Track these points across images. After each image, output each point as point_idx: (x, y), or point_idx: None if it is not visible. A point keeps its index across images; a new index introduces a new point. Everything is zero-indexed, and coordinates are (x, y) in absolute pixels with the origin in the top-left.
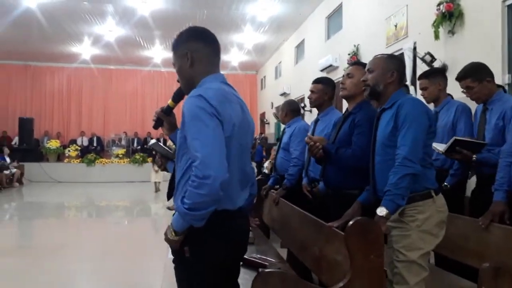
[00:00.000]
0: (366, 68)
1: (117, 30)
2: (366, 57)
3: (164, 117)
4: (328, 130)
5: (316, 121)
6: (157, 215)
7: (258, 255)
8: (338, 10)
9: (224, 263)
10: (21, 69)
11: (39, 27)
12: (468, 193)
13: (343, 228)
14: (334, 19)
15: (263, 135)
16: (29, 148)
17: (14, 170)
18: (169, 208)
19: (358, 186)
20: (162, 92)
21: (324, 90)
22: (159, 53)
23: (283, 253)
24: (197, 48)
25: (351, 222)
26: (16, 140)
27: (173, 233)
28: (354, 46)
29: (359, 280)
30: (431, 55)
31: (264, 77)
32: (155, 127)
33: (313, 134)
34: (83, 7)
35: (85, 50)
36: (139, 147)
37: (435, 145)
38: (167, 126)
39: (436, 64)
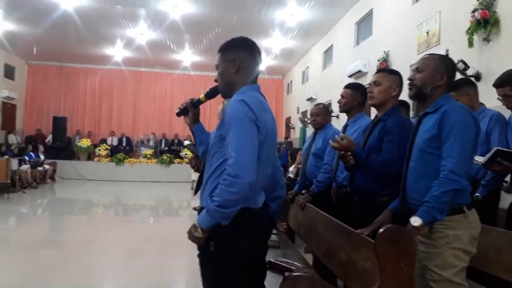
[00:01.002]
0: (415, 67)
1: (149, 33)
2: (396, 64)
3: (191, 109)
4: (357, 136)
5: (345, 127)
6: (182, 215)
7: (284, 259)
8: (368, 16)
9: (247, 259)
10: (57, 69)
11: (75, 30)
12: (502, 204)
13: (372, 235)
14: (364, 25)
15: (288, 139)
16: (62, 146)
17: (47, 167)
18: (195, 209)
19: (387, 193)
20: (190, 95)
21: (353, 96)
22: (188, 56)
23: (307, 258)
24: (245, 58)
25: (381, 230)
26: (49, 138)
27: (199, 231)
28: (384, 52)
29: (388, 287)
30: (465, 63)
31: (291, 81)
32: (179, 114)
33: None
34: (116, 11)
35: (117, 52)
36: (166, 148)
37: (476, 157)
38: (191, 117)
39: (470, 72)
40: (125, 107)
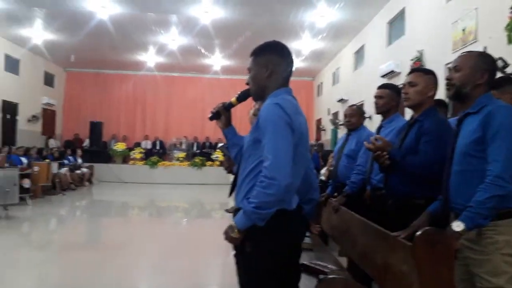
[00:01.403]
0: (452, 66)
1: (180, 39)
2: (431, 63)
3: (223, 112)
4: (391, 137)
5: (379, 128)
6: (215, 216)
7: (318, 262)
8: (400, 15)
9: (282, 260)
10: (93, 76)
11: (109, 38)
12: None
13: (409, 239)
14: (396, 24)
15: (319, 141)
16: (99, 150)
17: (85, 170)
18: (227, 211)
19: (424, 196)
20: (221, 99)
21: (392, 96)
22: (219, 61)
23: (341, 261)
24: (277, 62)
25: (419, 232)
26: (87, 142)
27: (235, 231)
28: (418, 51)
29: None
30: (504, 61)
31: (321, 83)
32: (211, 118)
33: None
34: (149, 18)
35: (150, 58)
36: (198, 151)
37: None
38: (223, 120)
39: (510, 70)
40: (158, 111)
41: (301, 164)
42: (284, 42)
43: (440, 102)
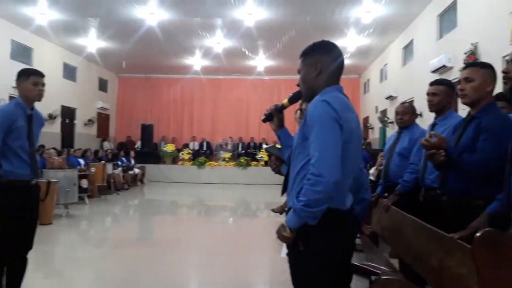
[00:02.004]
0: (510, 58)
1: (225, 42)
2: (486, 56)
3: (276, 114)
4: (446, 135)
5: (433, 125)
6: (260, 216)
7: (369, 263)
8: (452, 7)
9: (334, 260)
10: (143, 81)
11: (158, 43)
12: None
13: (467, 240)
14: (448, 16)
15: (366, 140)
16: (149, 151)
17: (137, 171)
18: (273, 210)
19: (483, 196)
20: (265, 99)
21: (447, 92)
22: (262, 61)
23: (392, 262)
24: (325, 61)
25: (478, 234)
26: (138, 144)
27: (287, 230)
28: (472, 44)
29: None
30: None
31: (368, 80)
32: (264, 120)
33: None
34: (195, 23)
35: (196, 61)
36: (243, 151)
37: None
38: (276, 122)
39: None
40: (205, 113)
41: (351, 162)
42: (328, 39)
43: (502, 96)
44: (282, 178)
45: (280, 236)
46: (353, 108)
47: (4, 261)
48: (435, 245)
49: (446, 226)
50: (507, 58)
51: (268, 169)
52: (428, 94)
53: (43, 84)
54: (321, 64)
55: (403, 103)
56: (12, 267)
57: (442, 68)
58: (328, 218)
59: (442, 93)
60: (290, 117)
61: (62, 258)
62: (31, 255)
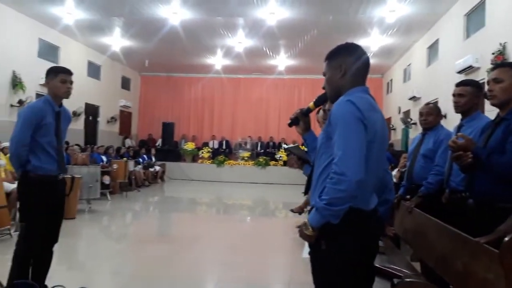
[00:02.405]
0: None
1: (246, 41)
2: None
3: (302, 118)
4: (473, 137)
5: (459, 127)
6: (278, 215)
7: (391, 265)
8: (480, 6)
9: (357, 261)
10: (165, 80)
11: (180, 42)
12: None
13: (494, 245)
14: (475, 16)
15: (389, 141)
16: (170, 149)
17: (158, 168)
18: (292, 211)
19: (511, 199)
20: (284, 99)
21: (475, 93)
22: (283, 61)
23: (415, 266)
24: (349, 62)
25: (507, 238)
26: (159, 142)
27: (310, 229)
28: (500, 44)
29: None
30: None
31: (391, 80)
32: (291, 125)
33: None
34: (217, 22)
35: (217, 61)
36: (262, 150)
37: None
38: (302, 126)
39: None
40: (225, 112)
41: (375, 162)
42: (350, 39)
43: None
44: (301, 178)
45: (303, 234)
46: (378, 108)
47: (33, 253)
48: (460, 248)
49: (471, 230)
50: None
51: (287, 169)
52: (454, 95)
53: (71, 82)
54: (345, 66)
55: (428, 103)
56: (39, 259)
57: (469, 69)
58: (351, 218)
59: (469, 94)
60: (312, 117)
61: (84, 251)
62: (55, 248)
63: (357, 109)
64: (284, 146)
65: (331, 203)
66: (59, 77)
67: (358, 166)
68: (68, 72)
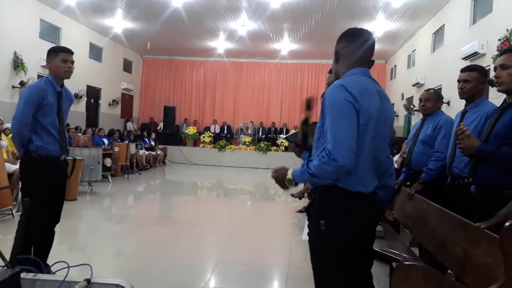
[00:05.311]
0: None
1: (250, 24)
2: None
3: (306, 129)
4: (478, 123)
5: (463, 113)
6: (278, 200)
7: (390, 250)
8: None
9: (355, 242)
10: (167, 63)
11: (183, 25)
12: None
13: (494, 230)
14: (482, 1)
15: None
16: (171, 133)
17: (159, 152)
18: (292, 195)
19: None
20: (287, 84)
21: (480, 79)
22: (287, 45)
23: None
24: (343, 47)
25: (508, 223)
26: (161, 125)
27: (292, 181)
28: (507, 30)
29: None
30: None
31: (395, 66)
32: (305, 145)
33: None
34: (220, 4)
35: (220, 44)
36: (263, 136)
37: None
38: (312, 134)
39: None
40: (226, 97)
41: (375, 146)
42: (355, 23)
43: None
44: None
45: (281, 182)
46: (375, 91)
47: (36, 229)
48: (460, 234)
49: (473, 216)
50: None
51: (288, 154)
52: (459, 81)
53: (72, 62)
54: (341, 51)
55: (428, 89)
56: (41, 238)
57: (474, 55)
58: (351, 200)
59: (475, 80)
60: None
61: (85, 232)
62: (56, 229)
63: (348, 93)
64: (282, 136)
65: (315, 176)
66: (60, 56)
67: (348, 153)
68: (69, 51)
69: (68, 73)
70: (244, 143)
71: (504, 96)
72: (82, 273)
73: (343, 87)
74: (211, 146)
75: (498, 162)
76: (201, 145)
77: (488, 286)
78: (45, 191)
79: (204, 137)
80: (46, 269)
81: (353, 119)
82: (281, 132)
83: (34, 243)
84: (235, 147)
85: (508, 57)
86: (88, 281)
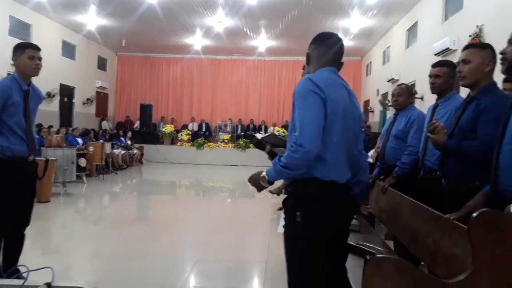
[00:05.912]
0: (508, 39)
1: (226, 20)
2: (492, 39)
3: (272, 148)
4: (449, 117)
5: (435, 107)
6: (257, 197)
7: (365, 243)
8: None
9: (331, 232)
10: (142, 60)
11: (158, 22)
12: None
13: (463, 221)
14: None
15: (367, 123)
16: (148, 131)
17: (135, 151)
18: (271, 192)
19: (481, 178)
20: (265, 81)
21: (450, 74)
22: (264, 42)
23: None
24: (312, 50)
25: (475, 214)
26: (137, 124)
27: (267, 182)
28: (477, 27)
29: (482, 275)
30: None
31: (370, 62)
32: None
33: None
34: (196, 0)
35: (196, 41)
36: (242, 133)
37: None
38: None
39: None
40: (204, 94)
41: (342, 135)
42: (331, 20)
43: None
44: None
45: (257, 184)
46: (344, 86)
47: (5, 234)
48: (432, 226)
49: (445, 208)
50: (509, 38)
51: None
52: (430, 76)
53: (39, 58)
54: (311, 53)
55: (400, 84)
56: (9, 243)
57: (446, 51)
58: (326, 189)
59: (445, 75)
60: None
61: (59, 235)
62: (29, 232)
63: (313, 84)
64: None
65: (287, 167)
66: (26, 53)
67: (314, 138)
68: (36, 48)
69: (35, 70)
70: (223, 141)
71: None
72: (49, 277)
73: (309, 79)
74: (189, 144)
75: (462, 157)
76: (179, 143)
77: (457, 276)
78: (13, 192)
79: (182, 135)
80: (17, 274)
81: (319, 106)
82: (260, 129)
83: (4, 248)
84: (214, 144)
85: (469, 52)
86: (48, 285)
